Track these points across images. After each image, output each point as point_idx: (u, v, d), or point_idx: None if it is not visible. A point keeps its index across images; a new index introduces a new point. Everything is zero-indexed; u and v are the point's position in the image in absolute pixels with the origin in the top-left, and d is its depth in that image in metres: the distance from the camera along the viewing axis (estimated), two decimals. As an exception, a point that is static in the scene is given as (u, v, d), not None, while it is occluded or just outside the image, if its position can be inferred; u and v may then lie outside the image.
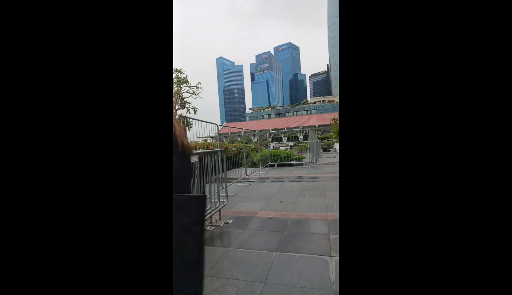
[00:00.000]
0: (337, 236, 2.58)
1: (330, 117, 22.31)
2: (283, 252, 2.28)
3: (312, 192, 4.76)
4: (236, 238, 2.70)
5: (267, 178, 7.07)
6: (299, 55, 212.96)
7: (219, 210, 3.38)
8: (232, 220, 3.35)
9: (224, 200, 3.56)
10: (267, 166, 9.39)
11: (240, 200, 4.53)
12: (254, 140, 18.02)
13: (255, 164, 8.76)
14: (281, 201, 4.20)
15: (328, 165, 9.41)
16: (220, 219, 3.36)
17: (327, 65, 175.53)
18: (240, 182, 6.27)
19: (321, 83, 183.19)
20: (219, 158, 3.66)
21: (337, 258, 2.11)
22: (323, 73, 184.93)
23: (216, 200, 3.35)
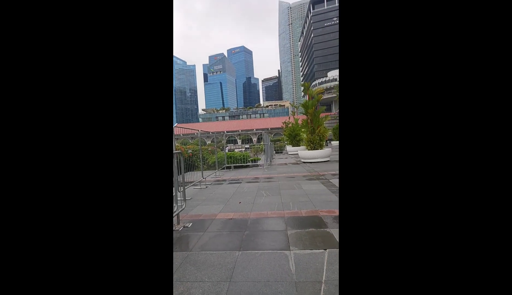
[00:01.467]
0: (294, 231, 2.78)
1: (281, 121, 23.59)
2: (246, 251, 2.35)
3: (269, 192, 4.97)
4: (197, 241, 2.66)
5: (224, 180, 7.06)
6: (252, 59, 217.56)
7: (177, 214, 3.26)
8: (191, 223, 3.27)
9: (182, 204, 3.45)
10: (223, 168, 9.35)
11: (197, 203, 4.43)
12: (208, 142, 17.71)
13: (211, 167, 8.63)
14: (240, 202, 4.28)
15: (281, 166, 9.90)
16: (178, 223, 3.25)
17: (278, 71, 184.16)
18: (196, 185, 6.11)
19: (273, 88, 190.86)
20: (176, 160, 3.54)
21: (296, 251, 2.29)
22: (275, 78, 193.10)
23: (174, 204, 3.22)
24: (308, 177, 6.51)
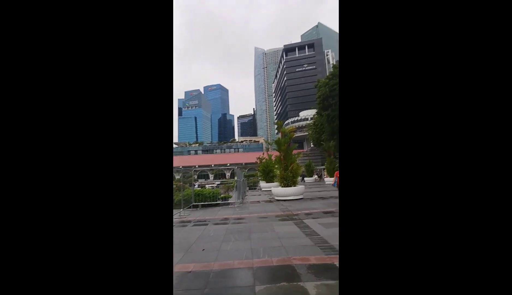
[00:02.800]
0: (263, 287, 2.37)
1: (256, 156, 23.70)
2: (202, 320, 1.88)
3: (237, 236, 4.51)
4: (141, 308, 2.10)
5: (189, 221, 6.41)
6: (228, 96, 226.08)
7: (122, 269, 2.66)
8: (139, 280, 2.68)
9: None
10: (190, 207, 8.62)
11: (153, 251, 3.80)
12: (177, 177, 16.74)
13: (176, 206, 7.89)
14: (203, 249, 3.75)
15: (253, 204, 9.46)
16: (122, 281, 2.63)
17: (253, 109, 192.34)
18: (157, 227, 5.41)
19: (248, 125, 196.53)
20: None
21: (263, 317, 1.87)
22: (250, 115, 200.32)
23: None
24: (281, 217, 6.17)
